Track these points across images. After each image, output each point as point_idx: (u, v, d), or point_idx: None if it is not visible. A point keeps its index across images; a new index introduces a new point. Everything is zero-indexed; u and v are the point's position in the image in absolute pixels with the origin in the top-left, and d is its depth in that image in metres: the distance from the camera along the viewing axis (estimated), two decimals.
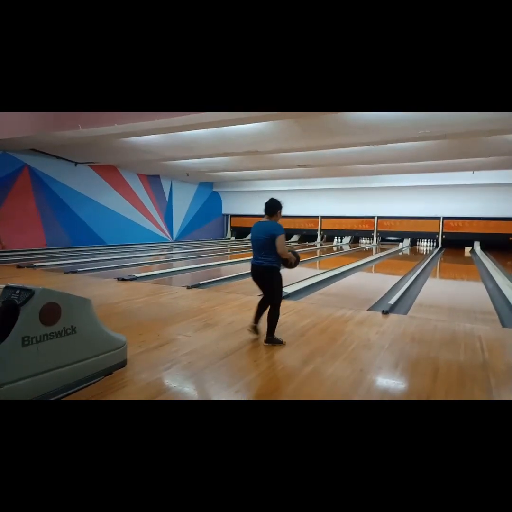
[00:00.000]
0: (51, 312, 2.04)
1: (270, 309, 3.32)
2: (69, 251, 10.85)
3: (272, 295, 3.31)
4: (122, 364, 2.67)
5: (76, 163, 12.26)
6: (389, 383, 2.58)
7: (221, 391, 2.41)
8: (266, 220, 3.33)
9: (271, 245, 3.17)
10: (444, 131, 6.96)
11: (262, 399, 2.29)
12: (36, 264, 7.92)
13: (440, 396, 2.35)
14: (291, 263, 3.31)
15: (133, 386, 2.41)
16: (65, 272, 7.11)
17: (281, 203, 3.38)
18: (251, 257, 3.37)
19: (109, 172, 13.59)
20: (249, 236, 19.47)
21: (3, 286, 2.14)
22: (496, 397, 2.34)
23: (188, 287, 5.74)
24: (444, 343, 3.38)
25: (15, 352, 1.91)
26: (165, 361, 2.86)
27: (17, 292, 2.02)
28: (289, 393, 2.37)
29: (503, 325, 4.07)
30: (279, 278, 3.29)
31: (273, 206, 3.31)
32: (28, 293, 1.99)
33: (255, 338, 3.43)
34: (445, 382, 2.56)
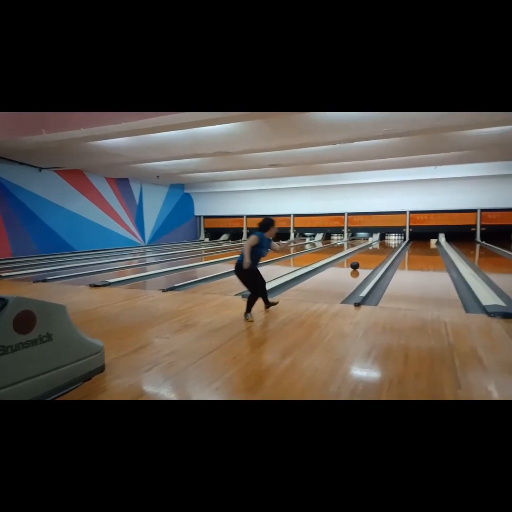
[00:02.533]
0: (25, 320, 2.01)
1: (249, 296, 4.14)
2: (37, 259, 10.49)
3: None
4: (101, 369, 2.65)
5: (40, 169, 11.86)
6: (363, 370, 2.71)
7: (202, 389, 2.45)
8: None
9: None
10: (406, 128, 7.26)
11: (242, 394, 2.36)
12: (3, 274, 7.62)
13: (411, 379, 2.50)
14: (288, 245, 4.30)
15: (114, 390, 2.41)
16: (34, 281, 6.88)
17: (273, 220, 4.14)
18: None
19: (76, 177, 13.23)
20: (222, 237, 19.68)
21: None
22: (461, 377, 2.51)
23: (163, 290, 5.71)
24: (413, 330, 3.57)
25: None
26: (146, 363, 2.86)
27: None
28: (269, 386, 2.44)
29: (467, 311, 4.33)
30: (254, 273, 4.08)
31: (265, 224, 4.08)
32: (1, 302, 1.95)
33: (234, 335, 3.48)
34: (415, 366, 2.71)
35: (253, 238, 3.95)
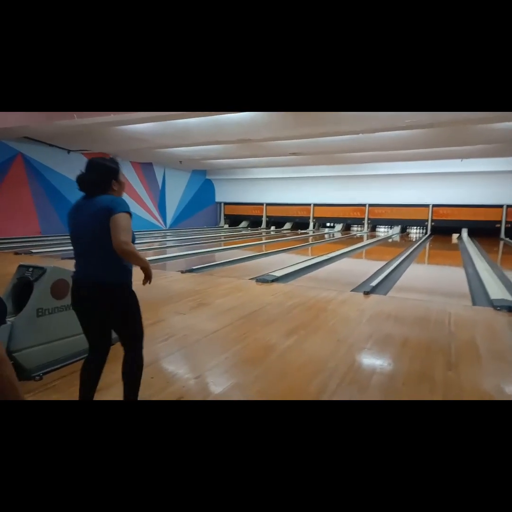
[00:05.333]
0: (60, 287, 2.30)
1: (125, 360, 1.80)
2: (64, 238, 11.02)
3: (127, 331, 1.79)
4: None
5: (69, 151, 12.33)
6: (362, 350, 2.90)
7: (213, 358, 2.71)
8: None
9: (107, 237, 1.61)
10: (430, 120, 7.20)
11: (248, 364, 2.59)
12: (33, 251, 8.12)
13: (405, 360, 2.68)
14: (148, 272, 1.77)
15: None
16: (62, 258, 7.32)
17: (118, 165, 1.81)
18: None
19: None
20: (241, 224, 19.90)
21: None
22: (454, 361, 2.67)
23: (182, 272, 6.01)
24: (417, 319, 3.71)
25: (31, 321, 2.18)
26: (162, 334, 3.14)
27: (30, 270, 2.28)
28: (273, 359, 2.68)
29: (474, 304, 4.41)
30: (133, 300, 1.77)
31: (101, 172, 1.74)
32: (40, 271, 2.24)
33: (245, 315, 3.72)
34: (412, 349, 2.88)
35: (128, 218, 1.65)
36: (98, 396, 1.87)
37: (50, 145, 11.46)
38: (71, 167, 12.72)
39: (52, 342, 2.29)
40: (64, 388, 2.17)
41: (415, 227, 17.38)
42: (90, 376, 1.80)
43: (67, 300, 2.37)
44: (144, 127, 8.99)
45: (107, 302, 1.68)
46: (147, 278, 1.76)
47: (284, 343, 2.99)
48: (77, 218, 1.72)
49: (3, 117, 7.36)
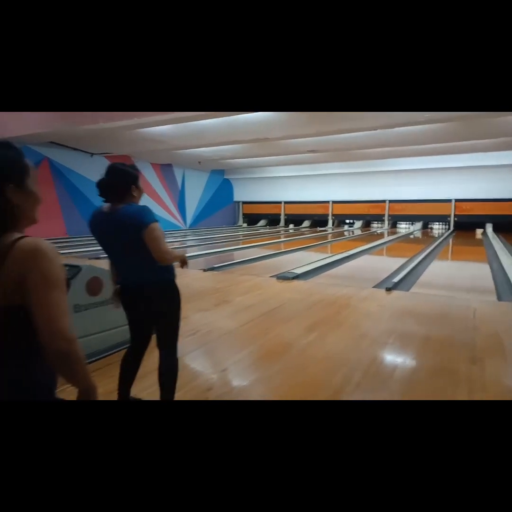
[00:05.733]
0: (95, 284, 2.44)
1: (164, 362, 1.88)
2: (89, 239, 11.36)
3: (171, 329, 1.90)
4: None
5: (92, 154, 12.71)
6: (385, 345, 2.93)
7: (236, 353, 2.79)
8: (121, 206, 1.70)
9: (141, 244, 1.66)
10: (449, 114, 7.07)
11: (270, 359, 2.67)
12: (61, 252, 8.43)
13: (430, 355, 2.69)
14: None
15: None
16: (89, 258, 7.59)
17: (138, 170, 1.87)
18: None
19: (123, 161, 14.02)
20: (260, 223, 19.98)
21: None
22: (478, 355, 2.67)
23: (204, 270, 6.14)
24: (440, 314, 3.69)
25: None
26: (187, 330, 3.25)
27: (66, 268, 2.42)
28: (295, 353, 2.74)
29: (499, 300, 4.34)
30: (178, 299, 1.87)
31: (121, 177, 1.75)
32: (76, 269, 2.38)
33: (265, 312, 3.79)
34: (435, 344, 2.89)
35: (159, 227, 1.74)
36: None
37: (74, 148, 11.85)
38: (94, 170, 13.11)
39: (88, 336, 2.43)
40: (100, 379, 2.29)
41: (437, 223, 17.03)
42: (130, 366, 1.91)
43: (101, 296, 2.51)
44: (163, 129, 9.19)
45: (158, 301, 1.76)
46: (184, 263, 1.90)
47: (306, 338, 3.04)
48: (103, 230, 1.72)
49: (31, 123, 7.66)
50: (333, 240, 12.54)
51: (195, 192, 17.91)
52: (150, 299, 1.75)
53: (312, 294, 4.56)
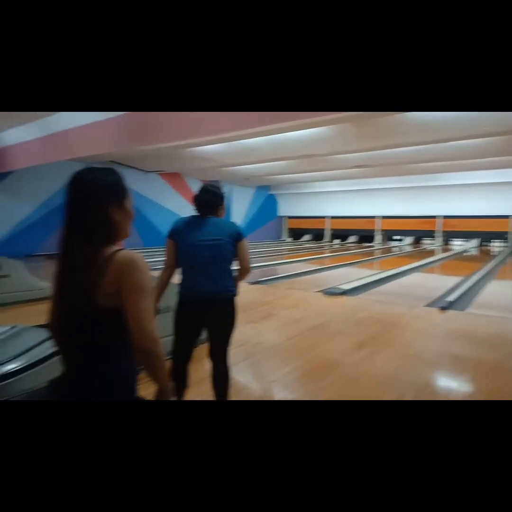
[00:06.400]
0: None
1: (220, 369, 1.99)
2: (143, 251, 11.99)
3: (227, 340, 1.98)
4: (201, 341, 3.19)
5: (146, 172, 13.52)
6: (438, 367, 2.80)
7: (286, 366, 2.82)
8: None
9: (229, 254, 1.90)
10: (509, 126, 6.73)
11: (316, 375, 2.66)
12: None
13: (486, 379, 2.54)
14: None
15: None
16: None
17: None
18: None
19: (174, 179, 14.76)
20: (304, 237, 19.88)
21: None
22: None
23: (251, 283, 6.25)
24: (496, 337, 3.47)
25: None
26: (237, 341, 3.32)
27: None
28: (345, 369, 2.71)
29: None
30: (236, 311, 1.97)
31: (216, 196, 1.98)
32: None
33: (312, 326, 3.78)
34: (489, 368, 2.72)
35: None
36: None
37: (131, 167, 12.69)
38: (147, 186, 13.97)
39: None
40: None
41: (495, 240, 15.96)
42: (182, 379, 1.96)
43: (160, 304, 2.66)
44: (213, 147, 9.60)
45: (225, 311, 1.90)
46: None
47: (355, 355, 3.00)
48: (195, 234, 1.86)
49: (101, 144, 8.24)
50: (381, 256, 12.20)
51: (241, 207, 18.30)
52: (221, 307, 1.89)
53: (360, 310, 4.48)
